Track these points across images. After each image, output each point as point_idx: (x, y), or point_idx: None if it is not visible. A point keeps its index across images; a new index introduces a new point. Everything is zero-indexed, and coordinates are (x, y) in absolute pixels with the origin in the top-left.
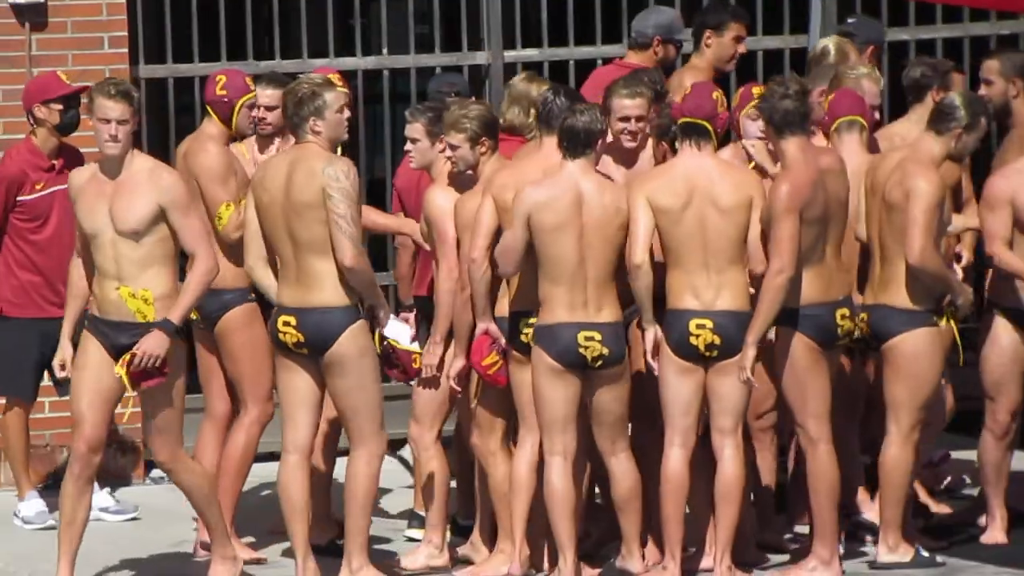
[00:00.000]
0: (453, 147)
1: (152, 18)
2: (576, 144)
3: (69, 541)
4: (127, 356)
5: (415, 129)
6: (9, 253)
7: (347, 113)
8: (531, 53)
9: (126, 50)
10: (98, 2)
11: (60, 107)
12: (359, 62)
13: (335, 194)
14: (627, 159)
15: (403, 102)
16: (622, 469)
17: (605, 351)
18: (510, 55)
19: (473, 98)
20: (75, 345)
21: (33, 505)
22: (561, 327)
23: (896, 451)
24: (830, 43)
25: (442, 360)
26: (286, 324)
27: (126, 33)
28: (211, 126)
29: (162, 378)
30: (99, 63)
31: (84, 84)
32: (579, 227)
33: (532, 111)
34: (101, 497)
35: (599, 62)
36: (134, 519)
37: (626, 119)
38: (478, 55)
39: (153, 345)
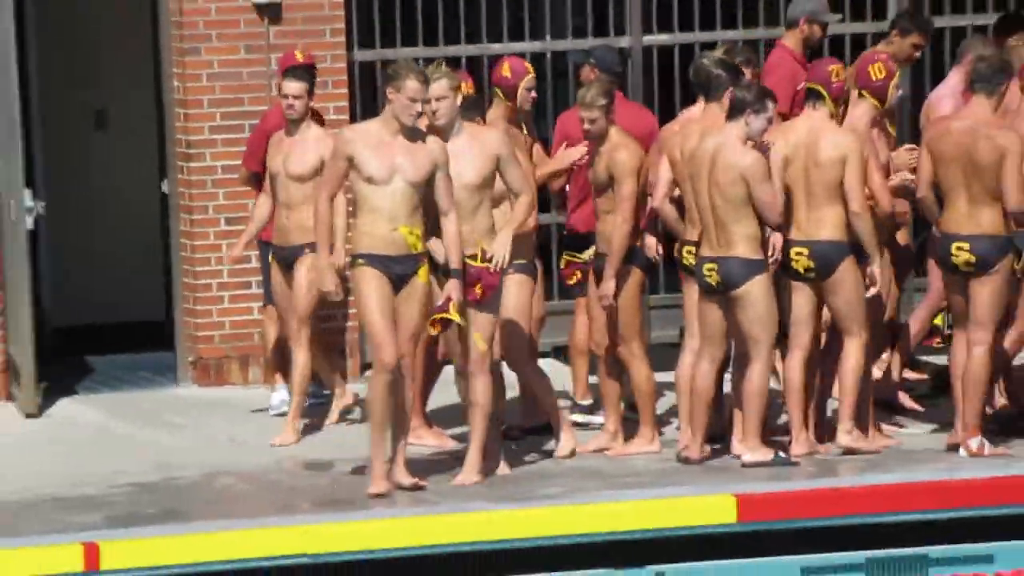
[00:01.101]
0: (592, 120)
1: (363, 10)
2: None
3: (380, 441)
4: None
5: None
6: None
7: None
8: (664, 38)
9: (343, 39)
10: (321, 1)
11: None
12: (527, 46)
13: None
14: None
15: (562, 78)
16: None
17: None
18: (648, 39)
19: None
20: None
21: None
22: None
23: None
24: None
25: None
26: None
27: (343, 25)
28: (498, 106)
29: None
30: (322, 49)
31: (310, 62)
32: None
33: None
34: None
35: (718, 43)
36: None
37: None
38: (622, 39)
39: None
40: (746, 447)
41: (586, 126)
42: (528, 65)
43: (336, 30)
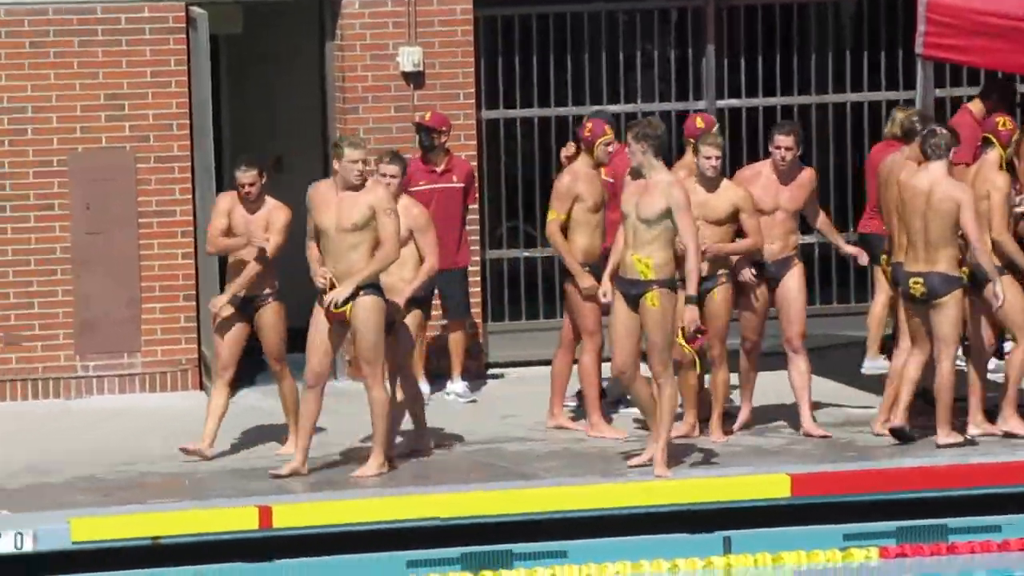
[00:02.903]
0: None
1: (490, 78)
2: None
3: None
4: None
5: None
6: None
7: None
8: (733, 102)
9: (473, 100)
10: (455, 71)
11: (417, 135)
12: (622, 108)
13: None
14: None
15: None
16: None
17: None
18: (720, 103)
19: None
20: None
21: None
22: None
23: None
24: None
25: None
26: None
27: (473, 90)
28: (583, 157)
29: (702, 338)
30: (456, 109)
31: (430, 123)
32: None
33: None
34: (459, 385)
35: (779, 108)
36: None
37: None
38: (699, 103)
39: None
40: (943, 433)
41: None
42: (607, 127)
43: (467, 94)
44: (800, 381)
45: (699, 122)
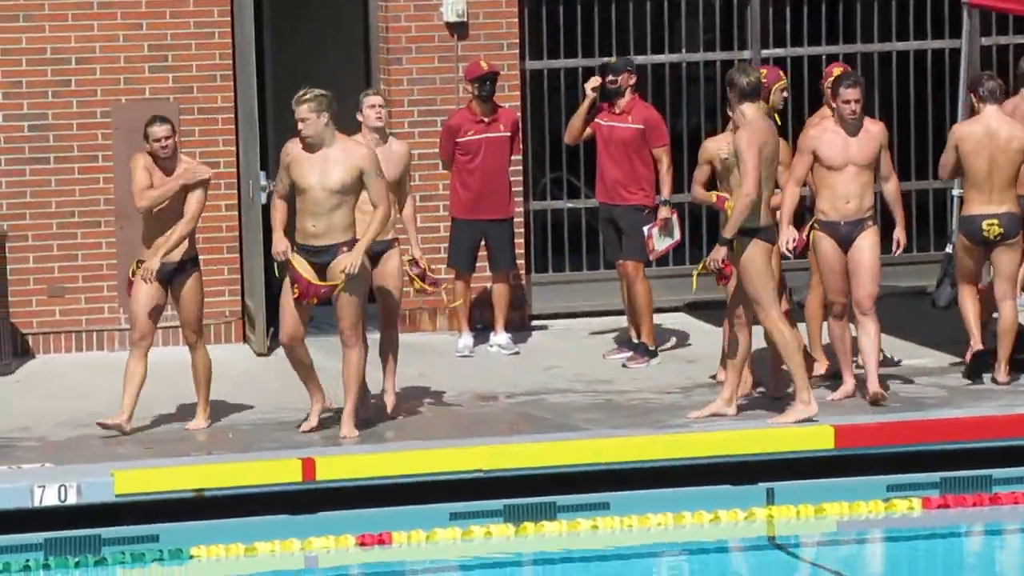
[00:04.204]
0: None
1: (534, 28)
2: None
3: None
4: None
5: None
6: (456, 177)
7: None
8: (778, 51)
9: (517, 51)
10: (499, 21)
11: (477, 85)
12: (666, 57)
13: None
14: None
15: (694, 83)
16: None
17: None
18: (765, 52)
19: None
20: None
21: (503, 337)
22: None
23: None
24: None
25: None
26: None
27: (517, 40)
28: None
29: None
30: (499, 60)
31: (492, 70)
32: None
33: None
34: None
35: (824, 58)
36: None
37: None
38: (744, 52)
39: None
40: (1004, 372)
41: None
42: (781, 72)
43: (511, 44)
44: (868, 345)
45: (836, 70)
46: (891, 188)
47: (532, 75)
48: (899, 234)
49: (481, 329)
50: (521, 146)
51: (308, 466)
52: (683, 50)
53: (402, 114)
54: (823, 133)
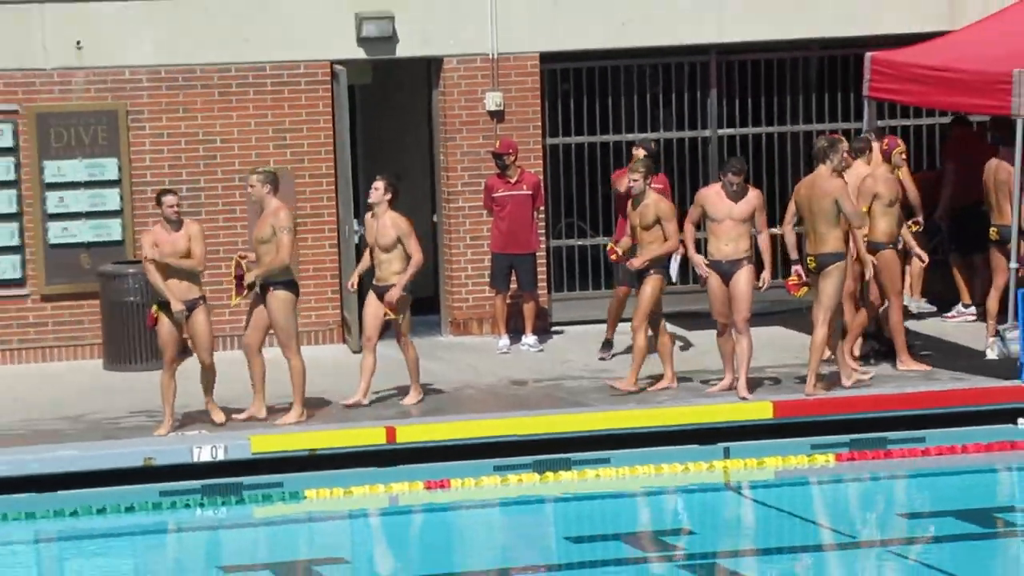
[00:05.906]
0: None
1: (553, 113)
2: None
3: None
4: None
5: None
6: (493, 223)
7: None
8: (730, 131)
9: (539, 131)
10: (527, 108)
11: (495, 160)
12: (648, 135)
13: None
14: None
15: (655, 158)
16: None
17: None
18: (720, 131)
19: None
20: None
21: (531, 339)
22: None
23: None
24: None
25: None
26: None
27: (540, 123)
28: (883, 164)
29: None
30: (527, 137)
31: (503, 151)
32: None
33: None
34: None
35: (764, 135)
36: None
37: None
38: (705, 131)
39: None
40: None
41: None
42: (899, 140)
43: (536, 126)
44: (742, 353)
45: (895, 142)
46: (763, 239)
47: (551, 148)
48: (766, 275)
49: (515, 333)
50: (543, 200)
51: (390, 432)
52: (661, 129)
53: (455, 177)
54: (711, 194)
